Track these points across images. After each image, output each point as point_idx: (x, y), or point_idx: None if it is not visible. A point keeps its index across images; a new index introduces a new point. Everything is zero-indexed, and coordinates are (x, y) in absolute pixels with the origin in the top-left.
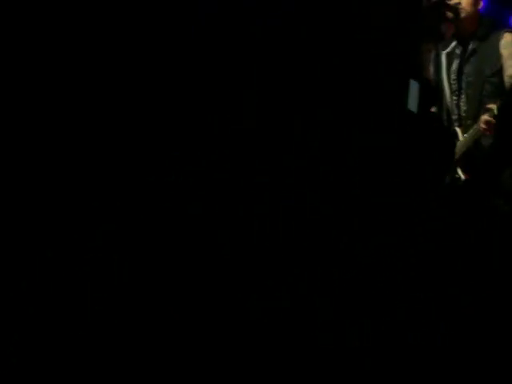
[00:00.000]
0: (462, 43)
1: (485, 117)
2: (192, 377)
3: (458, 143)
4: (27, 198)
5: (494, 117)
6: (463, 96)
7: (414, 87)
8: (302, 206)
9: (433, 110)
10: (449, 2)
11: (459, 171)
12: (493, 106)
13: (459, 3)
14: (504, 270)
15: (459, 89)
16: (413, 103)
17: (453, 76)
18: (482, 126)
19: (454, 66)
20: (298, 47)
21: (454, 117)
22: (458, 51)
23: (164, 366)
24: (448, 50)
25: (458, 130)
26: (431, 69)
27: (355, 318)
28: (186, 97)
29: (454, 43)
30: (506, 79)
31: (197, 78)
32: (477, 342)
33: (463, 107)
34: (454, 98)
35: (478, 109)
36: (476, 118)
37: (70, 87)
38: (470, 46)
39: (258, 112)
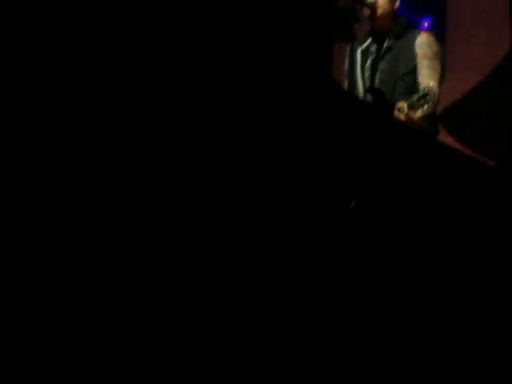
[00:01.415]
0: (378, 41)
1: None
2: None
3: None
4: (27, 198)
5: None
6: (370, 83)
7: None
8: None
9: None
10: (365, 0)
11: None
12: (402, 104)
13: (376, 1)
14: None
15: (373, 86)
16: None
17: (367, 73)
18: None
19: (369, 63)
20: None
21: None
22: (372, 49)
23: (164, 365)
24: (363, 46)
25: None
26: (346, 65)
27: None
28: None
29: (369, 40)
30: (419, 79)
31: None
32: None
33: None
34: (368, 95)
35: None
36: None
37: (70, 87)
38: (385, 44)
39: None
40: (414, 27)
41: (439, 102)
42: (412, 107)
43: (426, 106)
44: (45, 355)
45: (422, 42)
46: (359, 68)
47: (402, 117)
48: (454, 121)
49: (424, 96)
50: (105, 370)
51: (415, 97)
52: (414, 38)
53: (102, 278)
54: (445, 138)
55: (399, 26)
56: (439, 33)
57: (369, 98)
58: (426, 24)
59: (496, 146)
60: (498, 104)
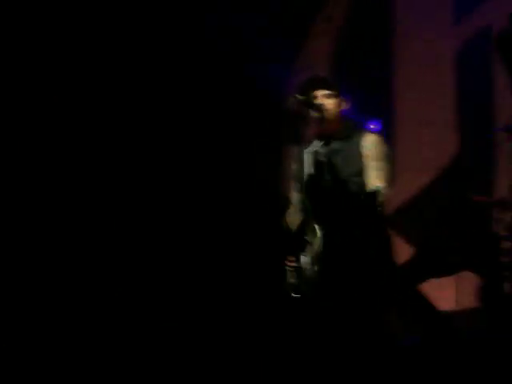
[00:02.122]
0: (326, 143)
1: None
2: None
3: (316, 240)
4: (27, 198)
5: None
6: (325, 195)
7: None
8: None
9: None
10: (314, 102)
11: (315, 267)
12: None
13: (323, 104)
14: None
15: (322, 187)
16: None
17: (316, 175)
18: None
19: (317, 164)
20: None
21: (316, 214)
22: (321, 150)
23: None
24: (311, 149)
25: (317, 227)
26: (294, 167)
27: None
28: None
29: (317, 143)
30: (367, 180)
31: None
32: None
33: (324, 205)
34: (317, 196)
35: (338, 207)
36: (335, 217)
37: (71, 88)
38: (334, 146)
39: None
40: (361, 128)
41: (388, 203)
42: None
43: (372, 209)
44: (45, 355)
45: (370, 143)
46: (307, 170)
47: None
48: (403, 221)
49: (372, 198)
50: (105, 369)
51: (364, 198)
52: (362, 140)
53: (102, 278)
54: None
55: (347, 128)
56: (387, 133)
57: (317, 198)
58: (373, 126)
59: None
60: (446, 204)
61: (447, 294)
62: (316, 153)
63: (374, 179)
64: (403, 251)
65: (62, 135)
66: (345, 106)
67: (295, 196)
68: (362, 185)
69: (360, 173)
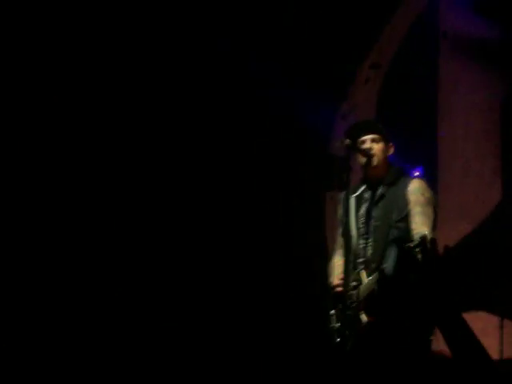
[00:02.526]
0: (371, 188)
1: None
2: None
3: (361, 286)
4: (27, 198)
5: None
6: (370, 240)
7: None
8: None
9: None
10: (361, 147)
11: (362, 314)
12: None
13: (371, 149)
14: None
15: (367, 232)
16: None
17: (361, 220)
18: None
19: (363, 209)
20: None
21: (360, 260)
22: (366, 195)
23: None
24: (357, 193)
25: (363, 272)
26: (340, 212)
27: None
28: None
29: (363, 187)
30: (413, 226)
31: None
32: None
33: (369, 251)
34: (362, 241)
35: (383, 253)
36: (381, 262)
37: (70, 87)
38: (379, 191)
39: None
40: (406, 174)
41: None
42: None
43: (420, 255)
44: (45, 355)
45: (415, 189)
46: (353, 215)
47: None
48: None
49: (419, 245)
50: (105, 369)
51: (411, 245)
52: (407, 185)
53: (102, 278)
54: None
55: (392, 174)
56: (431, 180)
57: (362, 243)
58: (417, 173)
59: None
60: (491, 255)
61: (490, 342)
62: (361, 198)
63: (419, 225)
64: None
65: (61, 135)
66: (391, 151)
67: (340, 241)
68: (407, 230)
69: (405, 218)
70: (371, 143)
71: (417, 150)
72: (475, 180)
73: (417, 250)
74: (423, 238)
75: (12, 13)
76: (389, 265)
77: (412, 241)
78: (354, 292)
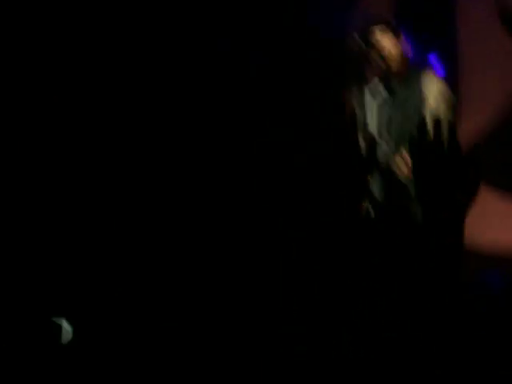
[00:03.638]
0: (387, 84)
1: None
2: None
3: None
4: (27, 198)
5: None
6: (386, 134)
7: None
8: None
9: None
10: (374, 43)
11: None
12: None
13: (384, 46)
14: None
15: (383, 127)
16: None
17: (376, 114)
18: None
19: (379, 105)
20: None
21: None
22: (383, 92)
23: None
24: (374, 89)
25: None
26: (358, 112)
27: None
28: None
29: (379, 84)
30: (427, 118)
31: None
32: None
33: (386, 145)
34: (379, 138)
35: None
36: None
37: (70, 87)
38: (396, 87)
39: None
40: (424, 69)
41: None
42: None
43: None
44: (45, 354)
45: (432, 89)
46: (370, 110)
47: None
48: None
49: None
50: (105, 369)
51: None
52: (425, 82)
53: (102, 278)
54: None
55: (409, 70)
56: (449, 67)
57: (381, 140)
58: (433, 62)
59: None
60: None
61: None
62: (376, 93)
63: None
64: None
65: (60, 135)
66: (405, 46)
67: (361, 143)
68: (424, 125)
69: (422, 113)
70: (381, 36)
71: (436, 45)
72: (497, 71)
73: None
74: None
75: (12, 13)
76: None
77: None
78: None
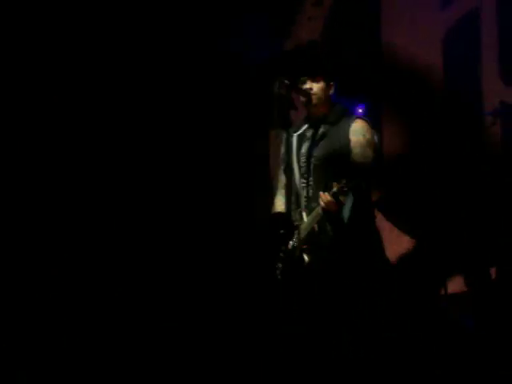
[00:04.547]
0: (313, 127)
1: (324, 195)
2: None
3: (302, 226)
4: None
5: (333, 195)
6: (311, 179)
7: None
8: None
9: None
10: (301, 87)
11: (304, 254)
12: (334, 185)
13: (311, 88)
14: None
15: (307, 171)
16: None
17: (302, 159)
18: (322, 204)
19: (304, 148)
20: None
21: (303, 199)
22: (308, 134)
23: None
24: (299, 132)
25: (304, 212)
26: (282, 151)
27: None
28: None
29: (305, 126)
30: (352, 165)
31: None
32: None
33: (310, 190)
34: (303, 180)
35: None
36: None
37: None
38: (321, 130)
39: None
40: (350, 113)
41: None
42: (341, 192)
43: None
44: (45, 355)
45: (357, 129)
46: (295, 154)
47: (328, 197)
48: (391, 205)
49: (353, 187)
50: (105, 369)
51: (344, 181)
52: (349, 125)
53: (102, 278)
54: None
55: (334, 112)
56: (375, 116)
57: (303, 182)
58: (360, 110)
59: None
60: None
61: None
62: (304, 136)
63: (357, 167)
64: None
65: (60, 135)
66: (332, 90)
67: (282, 180)
68: (347, 170)
69: (345, 158)
70: (311, 83)
71: (362, 87)
72: (418, 115)
73: (350, 185)
74: (361, 177)
75: (12, 12)
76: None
77: (345, 182)
78: (296, 231)
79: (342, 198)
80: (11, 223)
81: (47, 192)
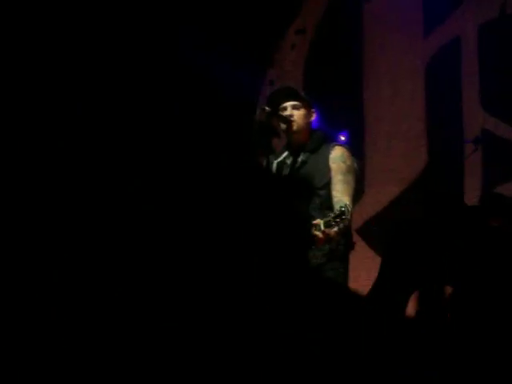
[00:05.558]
0: (293, 154)
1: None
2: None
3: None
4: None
5: (322, 232)
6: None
7: None
8: None
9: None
10: (281, 114)
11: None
12: (319, 221)
13: (292, 115)
14: None
15: (288, 194)
16: None
17: (282, 182)
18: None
19: (284, 172)
20: None
21: None
22: (288, 162)
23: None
24: (279, 159)
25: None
26: (262, 175)
27: None
28: None
29: (285, 154)
30: (333, 193)
31: None
32: None
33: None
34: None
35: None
36: None
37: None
38: (300, 158)
39: None
40: (330, 141)
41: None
42: (328, 225)
43: (341, 225)
44: (45, 355)
45: (337, 156)
46: (275, 175)
47: (319, 234)
48: (373, 234)
49: (340, 215)
50: (105, 369)
51: (331, 215)
52: (329, 152)
53: (102, 278)
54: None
55: (314, 140)
56: (357, 145)
57: (282, 210)
58: (342, 138)
59: None
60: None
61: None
62: (284, 164)
63: (340, 193)
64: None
65: (59, 135)
66: (313, 117)
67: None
68: (328, 198)
69: (326, 186)
70: (292, 110)
71: (344, 114)
72: (402, 143)
73: (337, 219)
74: (344, 207)
75: (11, 12)
76: None
77: (333, 211)
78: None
79: (327, 230)
80: (11, 223)
81: (47, 192)
